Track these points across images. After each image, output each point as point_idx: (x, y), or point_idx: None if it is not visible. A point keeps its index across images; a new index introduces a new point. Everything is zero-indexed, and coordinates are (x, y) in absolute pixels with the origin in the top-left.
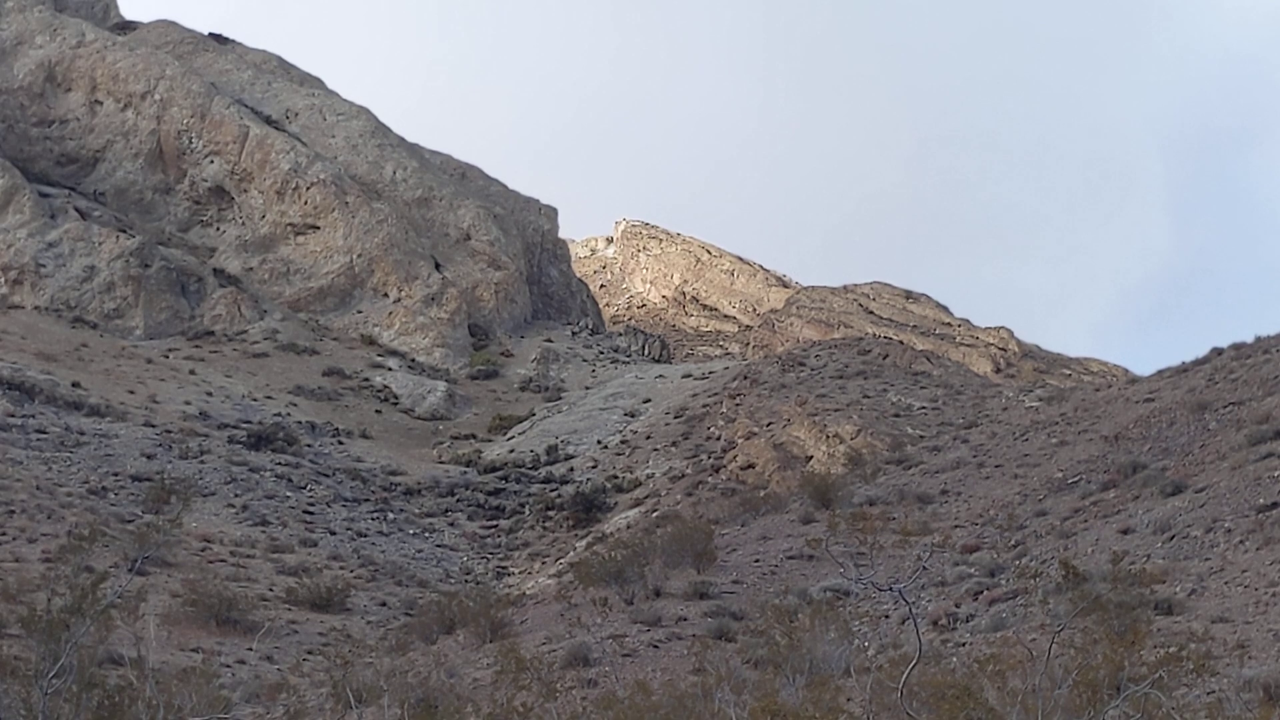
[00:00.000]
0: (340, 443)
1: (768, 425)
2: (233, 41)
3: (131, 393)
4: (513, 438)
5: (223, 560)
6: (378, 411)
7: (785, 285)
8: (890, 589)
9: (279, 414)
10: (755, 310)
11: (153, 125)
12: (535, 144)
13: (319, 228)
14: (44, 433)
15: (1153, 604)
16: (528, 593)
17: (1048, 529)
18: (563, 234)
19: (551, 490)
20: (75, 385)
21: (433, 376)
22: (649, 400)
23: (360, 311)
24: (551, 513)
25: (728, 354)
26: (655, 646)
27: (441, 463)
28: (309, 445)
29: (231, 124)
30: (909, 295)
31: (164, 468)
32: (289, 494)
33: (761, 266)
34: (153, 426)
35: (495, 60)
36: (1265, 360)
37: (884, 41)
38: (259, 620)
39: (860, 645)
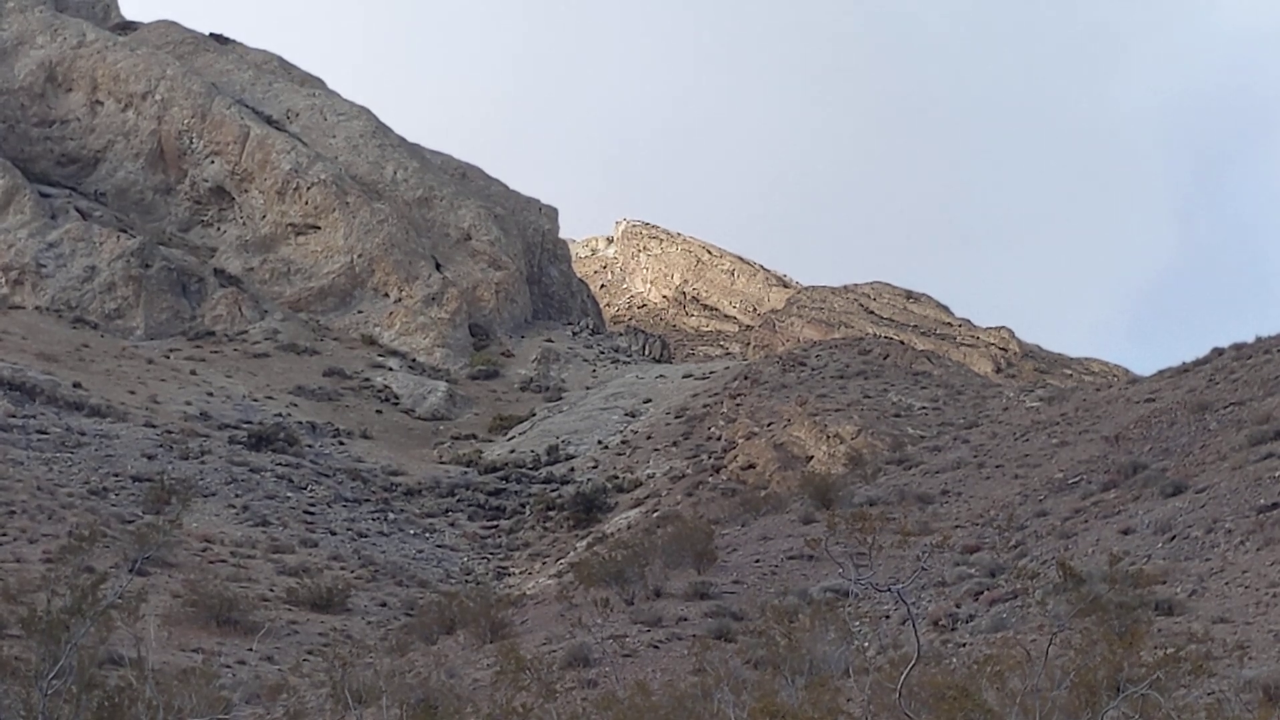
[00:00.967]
0: (341, 443)
1: (768, 425)
2: (233, 42)
3: (132, 393)
4: (513, 438)
5: (223, 561)
6: (378, 412)
7: (786, 285)
8: (890, 589)
9: (280, 414)
10: (756, 310)
11: (153, 125)
12: (536, 144)
13: (319, 228)
14: (45, 433)
15: (1153, 604)
16: (528, 593)
17: (1048, 529)
18: (563, 234)
19: (552, 490)
20: (76, 386)
21: (433, 377)
22: (649, 400)
23: (361, 312)
24: (552, 513)
25: (728, 354)
26: (655, 647)
27: (442, 463)
28: (310, 446)
29: (232, 124)
30: (910, 295)
31: (165, 468)
32: (289, 494)
33: (762, 266)
34: (153, 427)
35: (496, 60)
36: (1266, 360)
37: (885, 40)
38: (259, 621)
39: (860, 646)
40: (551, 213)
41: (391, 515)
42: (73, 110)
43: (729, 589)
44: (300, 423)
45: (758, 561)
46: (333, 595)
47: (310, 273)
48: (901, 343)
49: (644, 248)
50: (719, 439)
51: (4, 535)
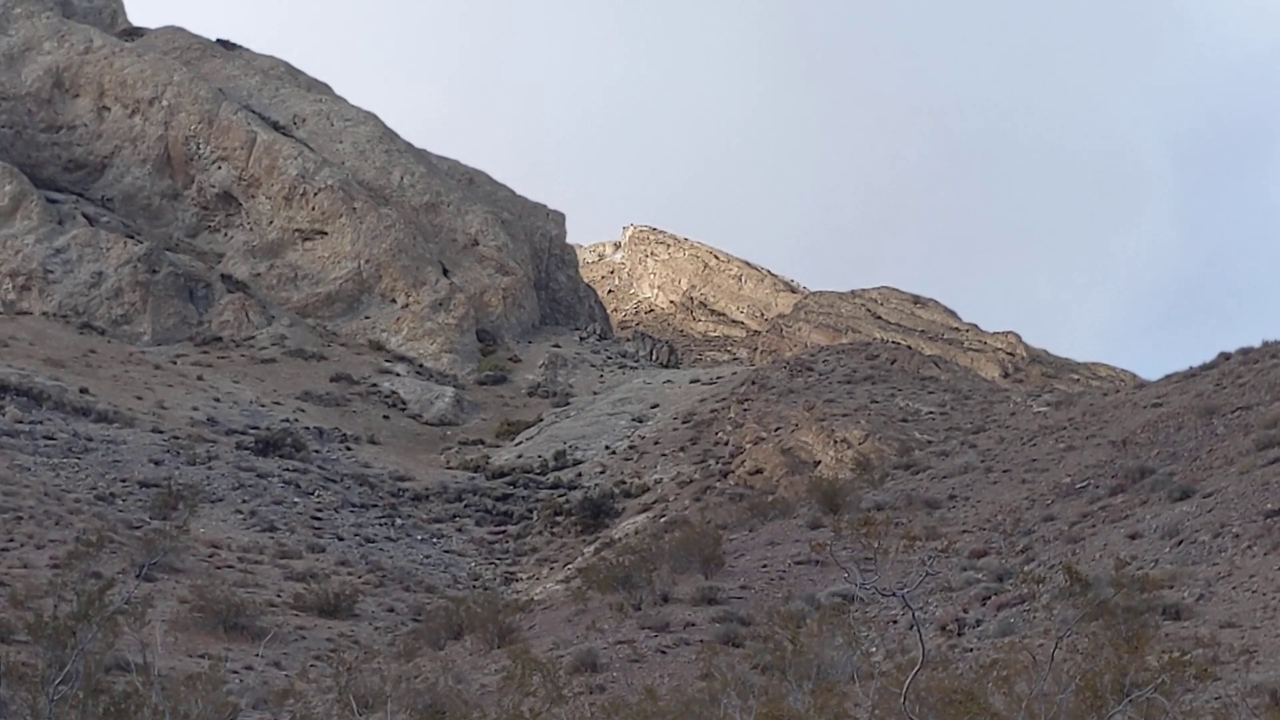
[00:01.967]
0: (348, 448)
1: (776, 430)
2: (240, 47)
3: (139, 399)
4: (521, 443)
5: (230, 566)
6: (385, 417)
7: (793, 290)
8: (897, 594)
9: (287, 420)
10: (763, 315)
11: (160, 131)
12: (543, 149)
13: (327, 233)
14: (52, 439)
15: (1160, 609)
16: (535, 598)
17: (1055, 534)
18: (570, 239)
19: (559, 496)
20: (83, 391)
21: (441, 382)
22: (657, 405)
23: (368, 317)
24: (559, 518)
25: (736, 359)
26: (663, 652)
27: (449, 468)
28: (317, 451)
29: (239, 130)
30: (917, 300)
31: (171, 474)
32: (297, 500)
33: (769, 271)
34: (160, 432)
35: (503, 65)
36: (1273, 365)
37: (894, 45)
38: (266, 626)
39: (866, 651)
40: (559, 218)
41: (399, 520)
42: (80, 116)
43: (736, 594)
44: (307, 428)
45: (765, 567)
46: (340, 600)
47: (317, 278)
48: (909, 348)
49: (651, 253)
50: (726, 444)
51: (11, 541)
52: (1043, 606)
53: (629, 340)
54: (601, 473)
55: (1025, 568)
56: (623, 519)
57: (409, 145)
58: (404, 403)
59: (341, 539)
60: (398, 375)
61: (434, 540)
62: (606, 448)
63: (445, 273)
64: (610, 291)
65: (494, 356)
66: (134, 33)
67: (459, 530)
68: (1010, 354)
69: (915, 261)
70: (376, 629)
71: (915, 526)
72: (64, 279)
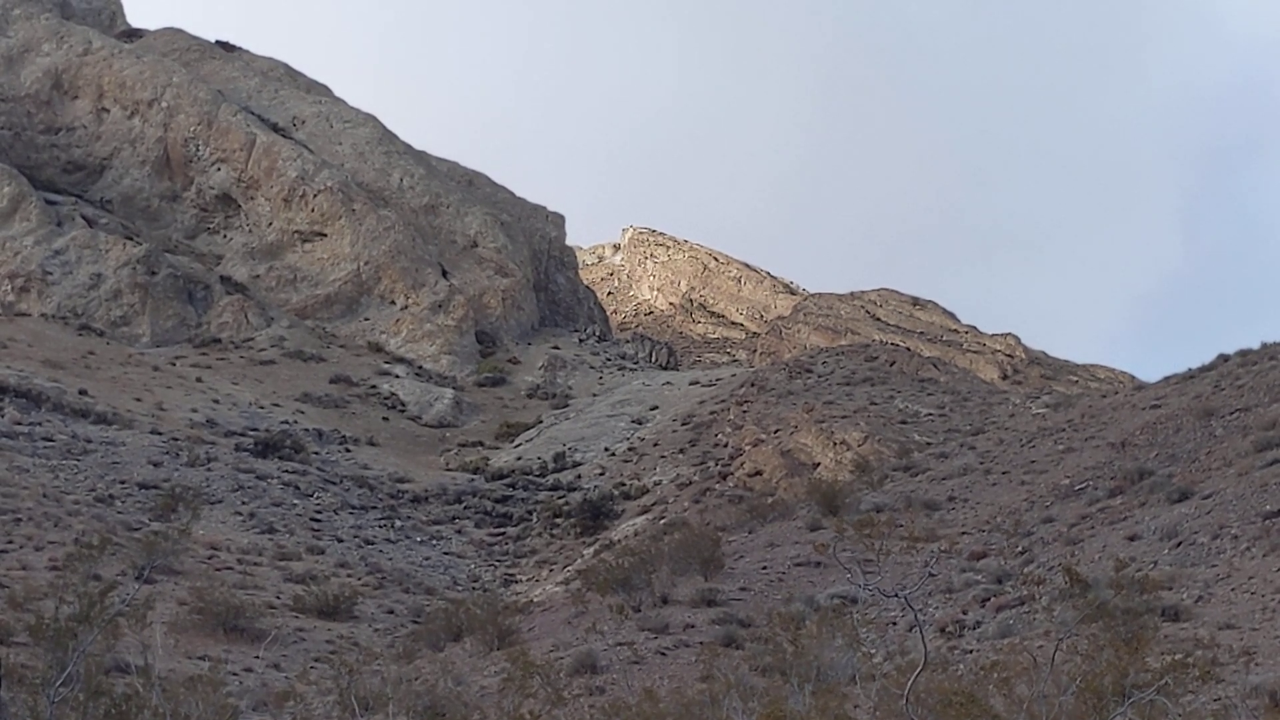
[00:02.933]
0: (347, 450)
1: (775, 432)
2: (239, 49)
3: (138, 400)
4: (520, 445)
5: (230, 568)
6: (385, 419)
7: (792, 292)
8: (897, 596)
9: (286, 421)
10: (762, 317)
11: (159, 133)
12: (543, 151)
13: (326, 235)
14: (51, 440)
15: (1159, 610)
16: (535, 600)
17: (1055, 536)
18: (570, 241)
19: (559, 497)
20: (82, 393)
21: (440, 384)
22: (656, 407)
23: (367, 319)
24: (559, 520)
25: (735, 361)
26: (663, 654)
27: (449, 470)
28: (316, 453)
29: (238, 131)
30: (916, 302)
31: (171, 475)
32: (296, 501)
33: (769, 273)
34: (159, 434)
35: (503, 67)
36: (1271, 367)
37: (894, 49)
38: (266, 628)
39: (867, 652)
40: (558, 220)
41: (398, 522)
42: (79, 118)
43: (736, 596)
44: (307, 430)
45: (764, 568)
46: (339, 602)
47: (317, 280)
48: (908, 349)
49: (651, 255)
50: (726, 446)
51: (10, 543)
52: (1043, 608)
53: (628, 342)
54: (601, 474)
55: (1025, 569)
56: (622, 521)
57: (408, 147)
58: (403, 404)
59: (341, 541)
60: (397, 377)
61: (433, 542)
62: (606, 449)
63: (444, 274)
64: (610, 293)
65: (493, 358)
66: (133, 34)
67: (458, 532)
68: (1009, 356)
69: (914, 264)
70: (376, 631)
71: (915, 528)
72: (63, 280)
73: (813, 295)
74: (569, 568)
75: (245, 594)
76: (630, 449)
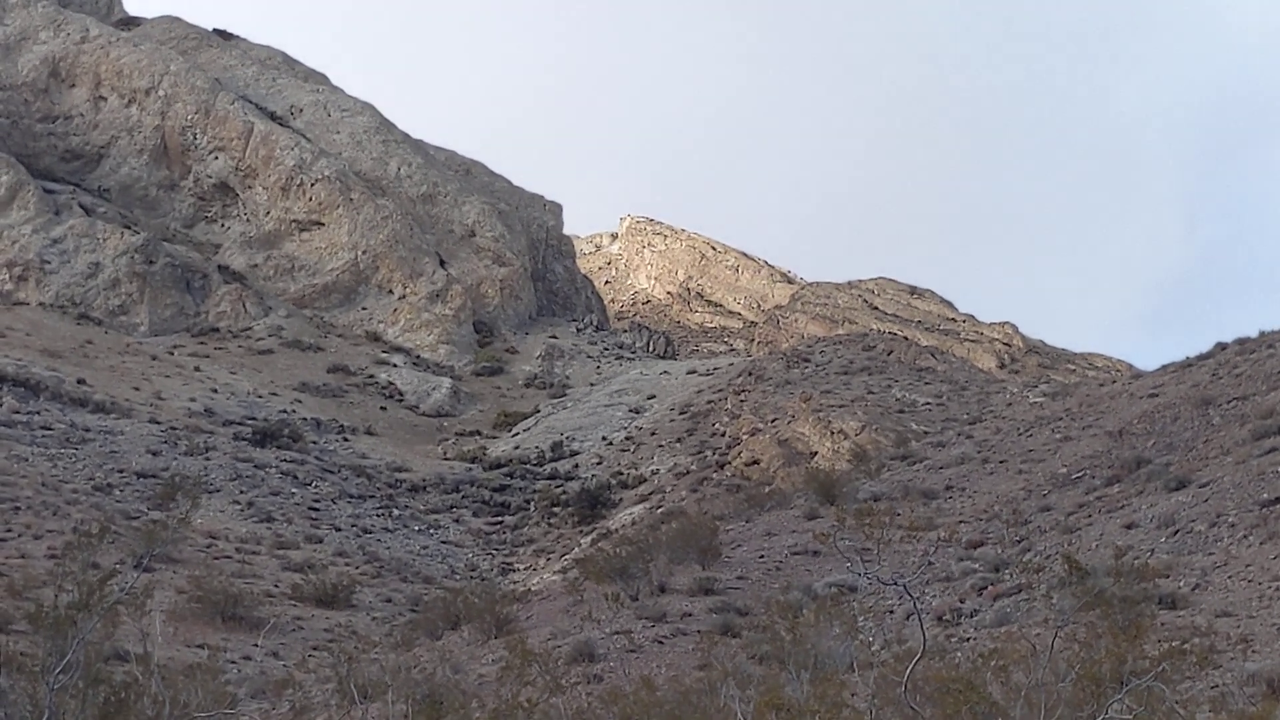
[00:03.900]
0: (345, 439)
1: (772, 421)
2: (237, 37)
3: (136, 389)
4: (518, 434)
5: (228, 557)
6: (383, 408)
7: (790, 281)
8: (895, 584)
9: (284, 411)
10: (760, 306)
11: (157, 121)
12: (540, 140)
13: (324, 224)
14: (49, 429)
15: (1157, 599)
16: (533, 589)
17: (1052, 524)
18: (567, 230)
19: (556, 487)
20: (80, 382)
21: (438, 373)
22: (654, 397)
23: (365, 308)
24: (556, 509)
25: (732, 350)
26: (660, 642)
27: (446, 459)
28: (314, 442)
29: (236, 120)
30: (914, 291)
31: (169, 464)
32: (294, 490)
33: (766, 262)
34: (158, 423)
35: (500, 56)
36: (1269, 355)
37: (894, 37)
38: (265, 616)
39: (865, 640)
40: (556, 209)
41: (396, 511)
42: (76, 106)
43: (733, 584)
44: (305, 419)
45: (762, 557)
46: (338, 591)
47: (314, 269)
48: (905, 338)
49: (648, 244)
50: (723, 435)
51: (9, 531)
52: (1040, 596)
53: (626, 331)
54: (598, 464)
55: (1022, 558)
56: (619, 510)
57: (406, 136)
58: (401, 394)
59: (339, 530)
60: (395, 366)
61: (431, 531)
62: (603, 439)
63: (442, 264)
64: (607, 283)
65: (491, 348)
66: (130, 22)
67: (456, 521)
68: (1007, 345)
69: (912, 252)
70: (374, 619)
71: (913, 517)
72: (61, 269)
73: (810, 284)
74: (566, 556)
75: (244, 582)
76: (628, 438)
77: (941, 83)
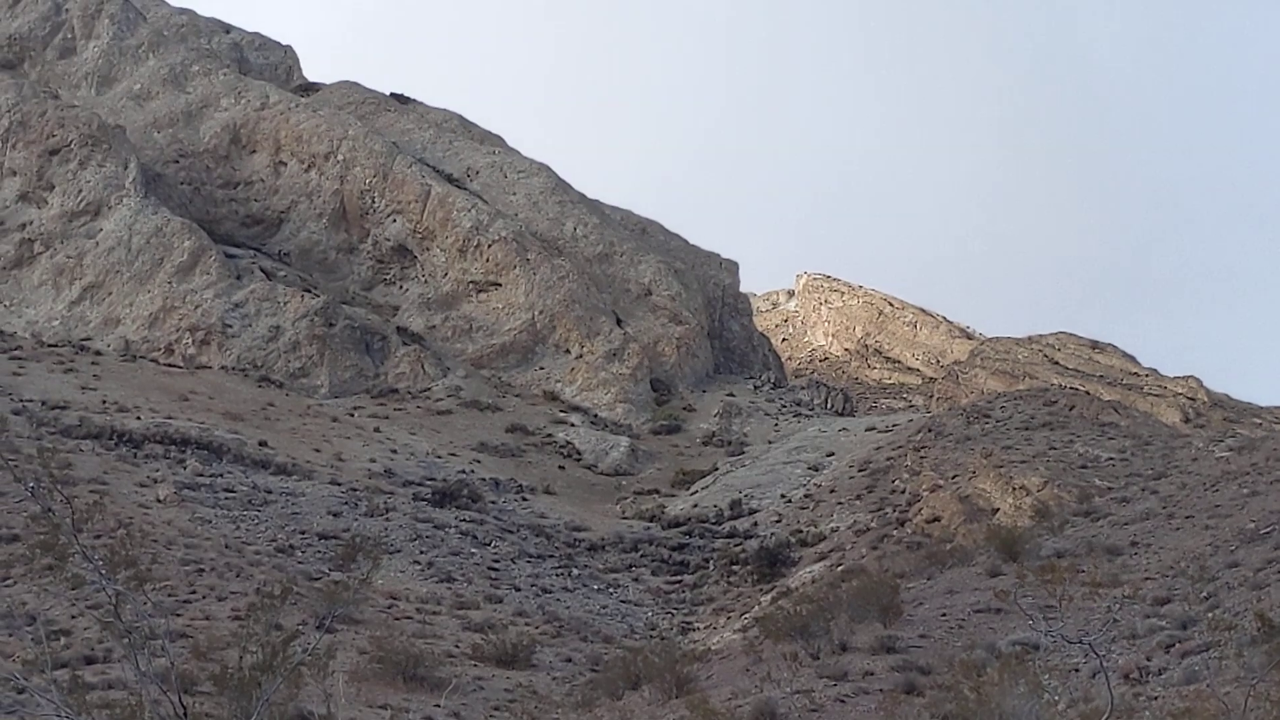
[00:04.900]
0: (524, 499)
1: (953, 478)
2: (414, 101)
3: (317, 451)
4: (696, 492)
5: (409, 617)
6: (561, 467)
7: (969, 337)
8: (1080, 642)
9: (463, 471)
10: (939, 362)
11: (336, 185)
12: (716, 199)
13: (500, 285)
14: (232, 491)
15: None
16: (713, 648)
17: (1240, 580)
18: (744, 288)
19: (735, 545)
20: (262, 444)
21: (615, 432)
22: (832, 453)
23: (542, 368)
24: (736, 567)
25: (911, 406)
26: (842, 701)
27: (625, 518)
28: (493, 502)
29: (413, 183)
30: (1095, 345)
31: (350, 525)
32: (474, 550)
33: (945, 318)
34: (338, 484)
35: (676, 117)
36: None
37: (1076, 90)
38: (446, 677)
39: (1050, 700)
40: (732, 267)
41: (575, 571)
42: (256, 171)
43: (915, 643)
44: (484, 479)
45: (944, 615)
46: (518, 651)
47: (492, 329)
48: (1087, 393)
49: (825, 300)
50: (903, 492)
51: (193, 593)
52: (1230, 654)
53: (803, 388)
54: (777, 521)
55: (1210, 614)
56: (799, 568)
57: (582, 196)
58: (579, 453)
59: (518, 589)
60: (572, 425)
61: (610, 590)
62: (782, 496)
63: (619, 323)
64: (784, 340)
65: (668, 406)
66: (309, 88)
67: (635, 580)
68: (1191, 399)
69: (1093, 307)
70: (554, 679)
71: (1097, 573)
72: (242, 333)
73: (989, 340)
74: (746, 615)
75: (425, 643)
76: (806, 496)
77: (1121, 134)
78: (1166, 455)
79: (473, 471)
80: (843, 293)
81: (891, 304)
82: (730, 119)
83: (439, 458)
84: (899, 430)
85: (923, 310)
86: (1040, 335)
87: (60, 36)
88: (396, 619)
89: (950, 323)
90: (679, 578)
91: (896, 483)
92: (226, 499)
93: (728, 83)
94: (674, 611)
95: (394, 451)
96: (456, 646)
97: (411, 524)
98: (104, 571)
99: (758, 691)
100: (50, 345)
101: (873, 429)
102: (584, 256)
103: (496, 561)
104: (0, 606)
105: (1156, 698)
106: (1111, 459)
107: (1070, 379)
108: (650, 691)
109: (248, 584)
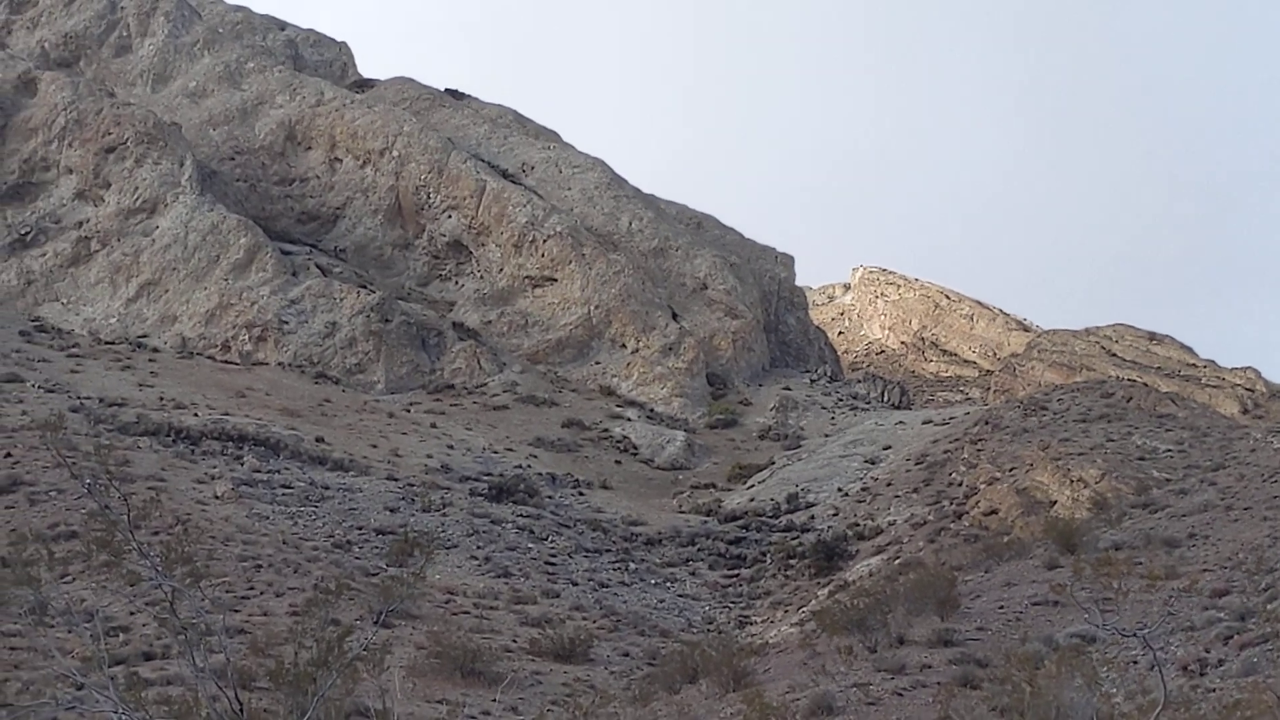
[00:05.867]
0: (580, 494)
1: (1010, 470)
2: (468, 97)
3: (374, 447)
4: (752, 486)
5: (466, 612)
6: (617, 462)
7: (1026, 329)
8: (1137, 635)
9: (519, 466)
10: (995, 355)
11: (391, 181)
12: (771, 192)
13: (556, 280)
14: (289, 488)
15: None
16: (770, 642)
17: None
18: (800, 281)
19: (792, 538)
20: (319, 440)
21: (671, 426)
22: (889, 447)
23: (598, 363)
24: (793, 561)
25: (968, 399)
26: (899, 694)
27: (681, 512)
28: (550, 497)
29: (468, 178)
30: (1152, 337)
31: (407, 521)
32: (530, 545)
33: (1001, 310)
34: (395, 480)
35: (728, 109)
36: None
37: (1133, 79)
38: (503, 671)
39: (1107, 692)
40: (788, 260)
41: (632, 565)
42: (312, 168)
43: (973, 636)
44: (540, 474)
45: (1001, 608)
46: (575, 645)
47: (548, 325)
48: (1145, 385)
49: (881, 294)
50: (960, 485)
51: (251, 589)
52: None
53: (860, 382)
54: (834, 515)
55: (1268, 606)
56: (856, 561)
57: (637, 190)
58: (635, 447)
59: (575, 584)
60: (628, 420)
61: (667, 584)
62: (839, 490)
63: (674, 317)
64: (840, 333)
65: (724, 400)
66: (364, 84)
67: (692, 574)
68: (1249, 390)
69: (1150, 298)
70: (612, 673)
71: (1155, 566)
72: (299, 329)
73: (1046, 332)
74: (804, 609)
75: (482, 638)
76: (863, 489)
77: (1184, 125)
78: (1224, 446)
79: (529, 466)
80: (899, 285)
81: (948, 296)
82: (786, 112)
83: (495, 453)
84: (956, 423)
85: (979, 303)
86: (1097, 327)
87: (116, 34)
88: (454, 614)
89: (1007, 315)
90: (736, 572)
91: (953, 476)
92: (284, 495)
93: (780, 76)
94: (731, 605)
95: (450, 447)
96: (514, 641)
97: (468, 519)
98: (160, 568)
99: (815, 685)
100: (107, 343)
101: (929, 422)
102: (639, 251)
103: (553, 556)
104: (58, 603)
105: (1214, 690)
106: (1169, 451)
107: (1128, 371)
108: (707, 685)
109: (305, 580)
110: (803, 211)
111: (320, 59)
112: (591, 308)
